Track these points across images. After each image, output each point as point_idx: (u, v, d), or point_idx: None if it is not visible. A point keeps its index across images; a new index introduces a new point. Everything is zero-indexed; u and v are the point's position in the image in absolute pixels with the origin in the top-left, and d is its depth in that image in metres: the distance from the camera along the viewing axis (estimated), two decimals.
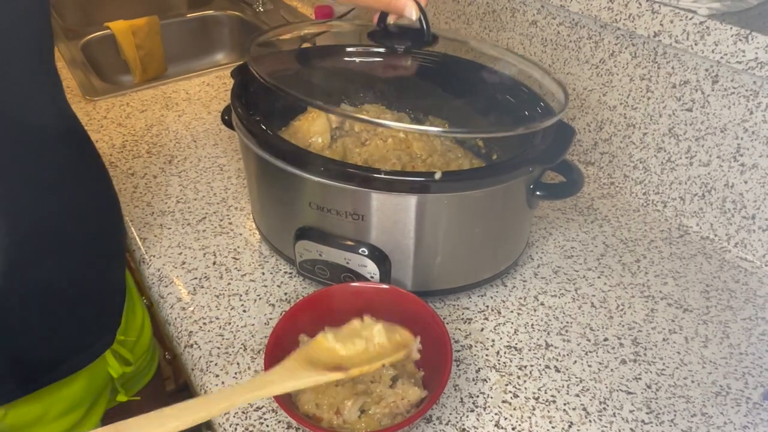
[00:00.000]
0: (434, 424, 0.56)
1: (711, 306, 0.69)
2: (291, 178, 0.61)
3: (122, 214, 0.70)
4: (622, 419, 0.57)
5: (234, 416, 0.56)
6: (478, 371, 0.61)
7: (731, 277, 0.74)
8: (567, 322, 0.67)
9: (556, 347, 0.64)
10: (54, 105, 0.56)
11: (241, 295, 0.69)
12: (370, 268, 0.62)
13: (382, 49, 0.72)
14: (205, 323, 0.66)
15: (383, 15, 0.69)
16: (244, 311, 0.67)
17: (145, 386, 0.84)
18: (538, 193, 0.63)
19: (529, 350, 0.63)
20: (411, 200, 0.58)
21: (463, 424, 0.56)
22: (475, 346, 0.64)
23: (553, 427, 0.56)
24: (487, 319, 0.67)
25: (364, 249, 0.62)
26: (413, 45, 0.68)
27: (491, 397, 0.59)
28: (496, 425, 0.56)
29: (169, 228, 0.79)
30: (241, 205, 0.83)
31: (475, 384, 0.60)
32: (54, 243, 0.57)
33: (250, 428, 0.55)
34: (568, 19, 0.86)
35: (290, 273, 0.72)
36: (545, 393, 0.59)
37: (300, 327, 0.59)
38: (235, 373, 0.60)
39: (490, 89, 0.74)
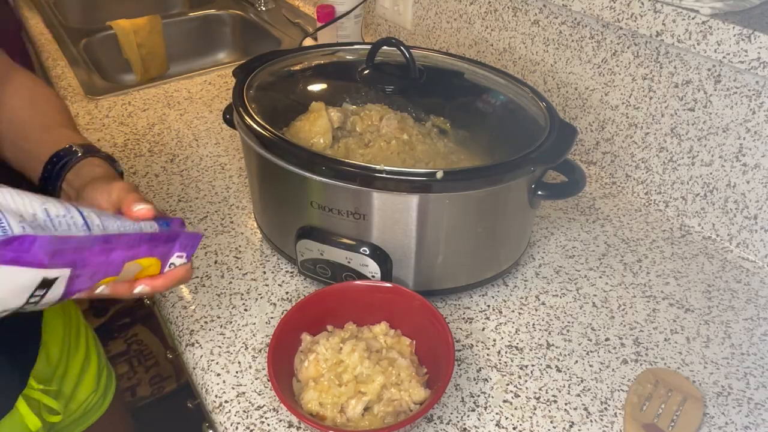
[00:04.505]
0: (435, 423, 0.56)
1: (713, 306, 0.69)
2: (293, 177, 0.61)
3: None
4: (624, 419, 0.57)
5: (235, 415, 0.56)
6: (479, 371, 0.61)
7: (733, 277, 0.73)
8: (568, 322, 0.67)
9: (557, 347, 0.64)
10: None
11: (242, 294, 0.69)
12: (372, 268, 0.62)
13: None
14: (206, 322, 0.66)
15: (372, 52, 0.72)
16: (246, 310, 0.67)
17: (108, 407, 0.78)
18: (539, 192, 0.63)
19: (531, 350, 0.63)
20: (413, 200, 0.58)
21: (464, 424, 0.56)
22: (477, 346, 0.64)
23: (554, 427, 0.56)
24: (488, 318, 0.67)
25: (365, 248, 0.62)
26: (402, 85, 0.71)
27: (492, 397, 0.59)
28: (497, 425, 0.56)
29: None
30: (243, 204, 0.83)
31: (476, 383, 0.60)
32: None
33: (251, 427, 0.55)
34: (570, 18, 0.86)
35: (291, 272, 0.72)
36: (546, 393, 0.59)
37: (302, 326, 0.59)
38: (237, 372, 0.60)
39: (492, 87, 0.74)
